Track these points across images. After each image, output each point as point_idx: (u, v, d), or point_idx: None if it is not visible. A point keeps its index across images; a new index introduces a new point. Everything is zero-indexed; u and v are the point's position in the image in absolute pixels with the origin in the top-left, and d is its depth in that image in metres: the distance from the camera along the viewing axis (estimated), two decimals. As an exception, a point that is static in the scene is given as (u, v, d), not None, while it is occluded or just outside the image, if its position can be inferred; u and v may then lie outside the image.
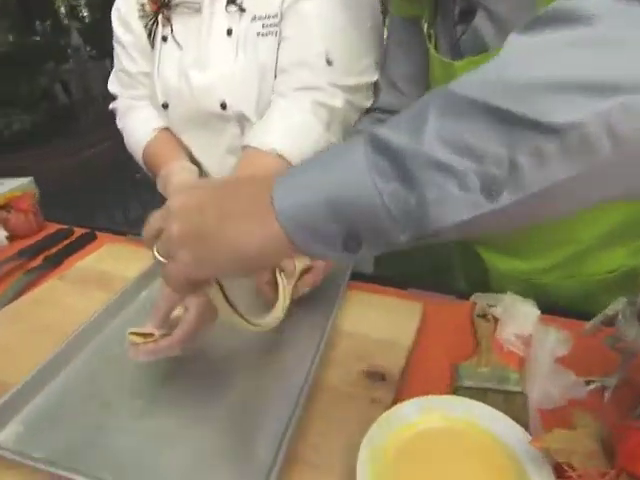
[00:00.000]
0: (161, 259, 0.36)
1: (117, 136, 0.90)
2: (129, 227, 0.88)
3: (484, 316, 0.63)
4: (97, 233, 0.89)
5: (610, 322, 0.48)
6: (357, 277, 0.69)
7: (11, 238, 0.90)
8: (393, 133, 0.29)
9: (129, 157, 0.89)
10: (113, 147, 2.87)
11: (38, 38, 4.90)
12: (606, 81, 0.24)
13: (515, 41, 0.29)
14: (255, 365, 0.55)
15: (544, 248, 0.68)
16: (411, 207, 0.28)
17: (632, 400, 0.48)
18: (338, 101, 0.71)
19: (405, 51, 0.70)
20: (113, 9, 0.83)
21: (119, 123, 0.89)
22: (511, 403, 0.49)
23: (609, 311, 0.49)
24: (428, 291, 0.68)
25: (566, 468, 0.38)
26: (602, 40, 0.26)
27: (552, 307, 0.61)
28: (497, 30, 0.54)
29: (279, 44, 0.71)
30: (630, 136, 0.24)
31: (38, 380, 0.51)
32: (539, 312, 0.60)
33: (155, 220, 0.37)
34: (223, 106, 0.74)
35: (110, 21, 0.84)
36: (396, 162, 0.28)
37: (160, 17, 0.78)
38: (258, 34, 0.71)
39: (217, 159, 0.81)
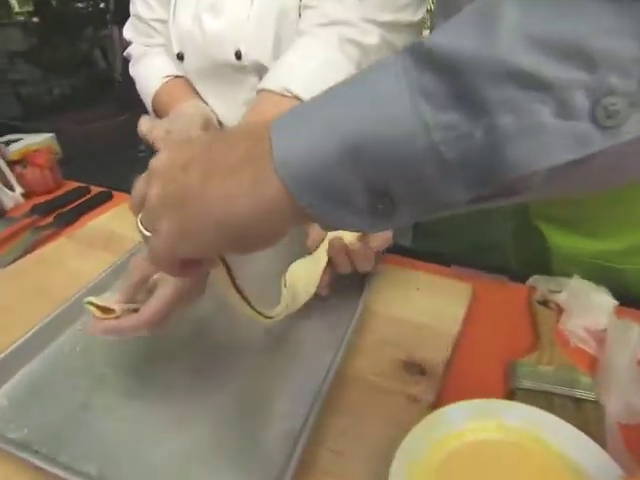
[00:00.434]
0: (145, 232, 0.28)
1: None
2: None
3: (545, 303, 0.53)
4: (114, 193, 0.83)
5: None
6: (392, 250, 0.60)
7: (27, 195, 0.86)
8: (448, 38, 0.20)
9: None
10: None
11: (79, 5, 4.90)
12: None
13: None
14: (268, 349, 0.47)
15: (623, 226, 0.56)
16: (476, 146, 0.20)
17: None
18: (372, 38, 0.60)
19: None
20: None
21: (132, 70, 0.83)
22: (582, 413, 0.40)
23: None
24: (475, 269, 0.59)
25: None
26: None
27: (630, 298, 0.51)
28: None
29: None
30: None
31: (26, 349, 0.45)
32: (616, 302, 0.50)
33: (140, 184, 0.29)
34: (238, 55, 0.66)
35: None
36: (454, 79, 0.20)
37: None
38: None
39: (236, 115, 0.72)
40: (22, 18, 4.49)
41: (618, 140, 0.18)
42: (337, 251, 0.48)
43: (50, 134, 1.04)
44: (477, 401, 0.37)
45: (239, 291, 0.37)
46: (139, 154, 3.85)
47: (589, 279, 0.53)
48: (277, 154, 0.23)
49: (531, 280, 0.56)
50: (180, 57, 0.73)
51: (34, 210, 0.78)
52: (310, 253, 0.51)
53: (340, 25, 0.59)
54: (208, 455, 0.37)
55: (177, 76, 0.76)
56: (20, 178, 0.86)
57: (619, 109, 0.18)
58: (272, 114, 0.24)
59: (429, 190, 0.21)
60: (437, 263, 0.60)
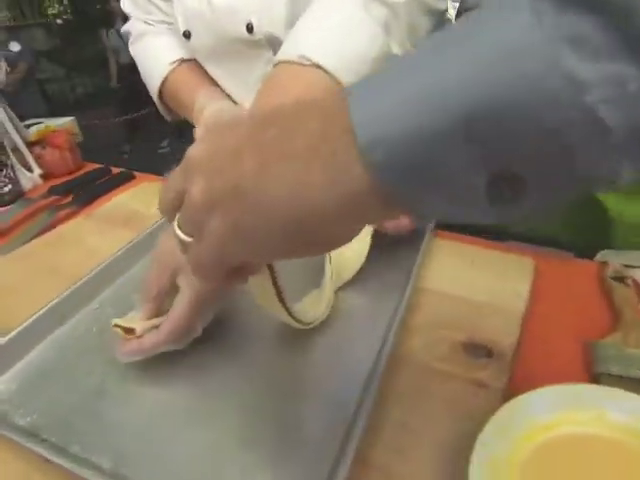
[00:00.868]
0: (184, 237, 0.23)
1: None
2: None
3: (621, 279, 0.46)
4: (135, 173, 0.79)
5: None
6: (445, 224, 0.54)
7: (46, 177, 0.82)
8: None
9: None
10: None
11: (99, 6, 4.96)
12: None
13: None
14: (308, 331, 0.40)
15: None
16: None
17: None
18: None
19: None
20: None
21: (131, 48, 0.75)
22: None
23: None
24: (534, 244, 0.52)
25: None
26: None
27: None
28: None
29: None
30: None
31: (37, 329, 0.41)
32: None
33: (174, 181, 0.23)
34: (249, 28, 0.59)
35: None
36: (617, 19, 0.14)
37: None
38: None
39: (251, 94, 0.66)
40: (55, 19, 4.58)
41: None
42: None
43: (70, 118, 1.01)
44: (568, 387, 0.30)
45: (283, 302, 0.32)
46: (159, 150, 3.86)
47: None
48: (362, 134, 0.17)
49: (600, 255, 0.50)
50: (187, 36, 0.66)
51: (52, 191, 0.74)
52: None
53: None
54: (240, 451, 0.31)
55: (184, 60, 0.69)
56: (39, 159, 0.82)
57: None
58: (290, 86, 0.19)
59: (580, 164, 0.16)
60: (491, 239, 0.53)
